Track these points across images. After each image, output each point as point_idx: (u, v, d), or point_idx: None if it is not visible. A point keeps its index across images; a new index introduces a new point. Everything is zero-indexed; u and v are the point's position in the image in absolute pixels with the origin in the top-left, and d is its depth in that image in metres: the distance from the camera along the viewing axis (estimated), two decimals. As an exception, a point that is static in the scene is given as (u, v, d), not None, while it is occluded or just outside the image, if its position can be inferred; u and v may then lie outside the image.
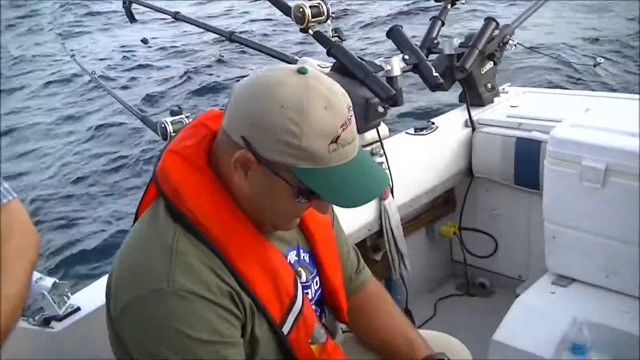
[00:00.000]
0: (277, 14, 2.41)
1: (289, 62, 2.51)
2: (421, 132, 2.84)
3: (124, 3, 3.20)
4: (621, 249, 2.14)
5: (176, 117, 2.02)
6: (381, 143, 2.43)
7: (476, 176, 2.94)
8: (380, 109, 2.29)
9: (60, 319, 1.72)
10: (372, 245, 2.60)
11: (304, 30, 2.29)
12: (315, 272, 1.49)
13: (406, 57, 2.43)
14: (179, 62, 10.49)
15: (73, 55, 4.21)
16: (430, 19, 2.89)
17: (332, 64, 2.35)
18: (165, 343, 1.17)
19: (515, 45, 2.97)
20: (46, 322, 1.71)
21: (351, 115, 1.19)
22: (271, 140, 1.15)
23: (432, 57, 2.77)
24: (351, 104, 1.20)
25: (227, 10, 13.95)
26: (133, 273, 1.22)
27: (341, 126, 1.16)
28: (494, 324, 2.16)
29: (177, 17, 3.07)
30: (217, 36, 2.92)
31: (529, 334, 2.09)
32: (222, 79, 9.29)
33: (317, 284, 1.49)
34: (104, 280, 1.82)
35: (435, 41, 2.77)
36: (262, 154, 1.17)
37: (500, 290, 3.06)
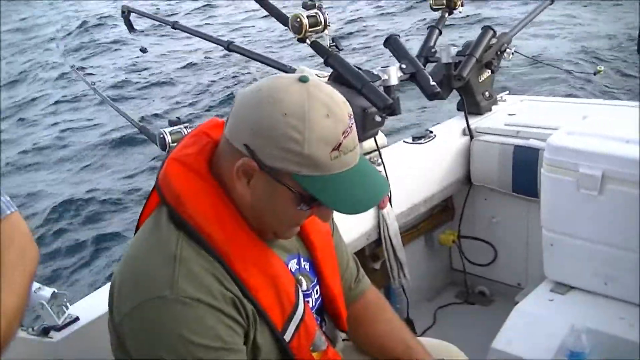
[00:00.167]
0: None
1: (286, 72, 2.52)
2: (419, 141, 2.85)
3: (122, 13, 3.22)
4: (619, 255, 2.14)
5: (175, 128, 2.02)
6: (379, 152, 2.44)
7: (474, 184, 2.94)
8: (378, 118, 2.30)
9: (59, 328, 1.71)
10: (370, 254, 2.61)
11: (302, 40, 2.31)
12: (316, 280, 1.49)
13: (403, 66, 2.44)
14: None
15: (73, 66, 4.22)
16: (427, 28, 2.90)
17: (329, 74, 2.36)
18: (168, 349, 1.17)
19: (513, 53, 2.99)
20: (45, 332, 1.71)
21: (352, 123, 1.21)
22: (274, 148, 1.16)
23: (430, 65, 2.78)
24: (352, 112, 1.22)
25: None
26: (136, 280, 1.23)
27: (343, 133, 1.18)
28: (494, 332, 2.16)
29: (175, 26, 3.07)
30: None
31: (528, 342, 2.10)
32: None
33: (317, 293, 1.50)
34: (103, 290, 1.84)
35: (433, 50, 2.78)
36: (265, 161, 1.18)
37: (499, 298, 3.06)
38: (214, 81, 9.93)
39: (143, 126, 2.47)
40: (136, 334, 1.22)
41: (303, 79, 1.20)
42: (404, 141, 2.89)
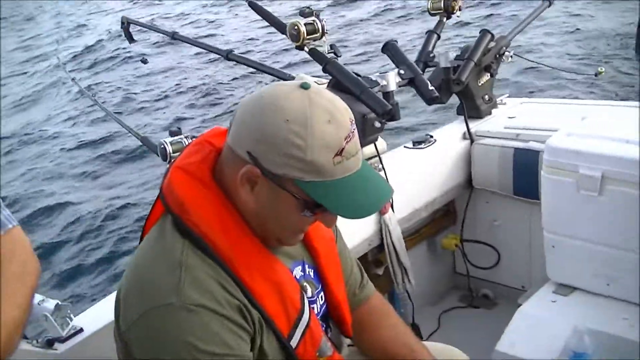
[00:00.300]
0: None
1: (285, 79, 2.53)
2: (419, 146, 2.85)
3: (122, 24, 3.23)
4: (620, 256, 2.14)
5: (175, 138, 2.03)
6: (379, 158, 2.44)
7: (476, 188, 2.95)
8: (377, 124, 2.30)
9: (63, 340, 1.72)
10: (373, 260, 2.61)
11: (300, 48, 2.32)
12: (320, 287, 1.50)
13: (402, 71, 2.45)
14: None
15: (73, 79, 4.25)
16: (425, 33, 2.91)
17: (328, 81, 2.36)
18: (175, 356, 1.18)
19: (511, 56, 2.99)
20: (49, 343, 1.71)
21: (354, 129, 1.22)
22: (276, 154, 1.17)
23: (429, 70, 2.79)
24: (353, 118, 1.23)
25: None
26: (142, 288, 1.23)
27: (345, 139, 1.19)
28: (498, 335, 2.16)
29: (174, 36, 3.09)
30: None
31: (531, 344, 2.10)
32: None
33: (322, 299, 1.50)
34: (107, 301, 1.84)
35: (431, 55, 2.79)
36: (268, 168, 1.19)
37: (503, 301, 3.06)
38: (214, 90, 9.94)
39: (144, 137, 2.48)
40: (142, 342, 1.22)
41: (304, 86, 1.21)
42: (404, 146, 2.89)
